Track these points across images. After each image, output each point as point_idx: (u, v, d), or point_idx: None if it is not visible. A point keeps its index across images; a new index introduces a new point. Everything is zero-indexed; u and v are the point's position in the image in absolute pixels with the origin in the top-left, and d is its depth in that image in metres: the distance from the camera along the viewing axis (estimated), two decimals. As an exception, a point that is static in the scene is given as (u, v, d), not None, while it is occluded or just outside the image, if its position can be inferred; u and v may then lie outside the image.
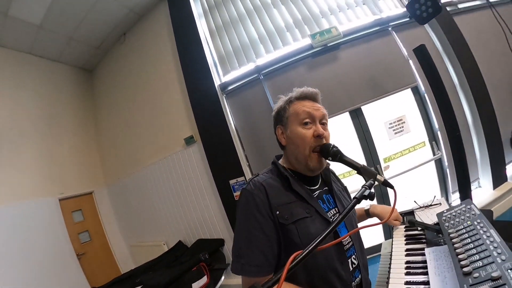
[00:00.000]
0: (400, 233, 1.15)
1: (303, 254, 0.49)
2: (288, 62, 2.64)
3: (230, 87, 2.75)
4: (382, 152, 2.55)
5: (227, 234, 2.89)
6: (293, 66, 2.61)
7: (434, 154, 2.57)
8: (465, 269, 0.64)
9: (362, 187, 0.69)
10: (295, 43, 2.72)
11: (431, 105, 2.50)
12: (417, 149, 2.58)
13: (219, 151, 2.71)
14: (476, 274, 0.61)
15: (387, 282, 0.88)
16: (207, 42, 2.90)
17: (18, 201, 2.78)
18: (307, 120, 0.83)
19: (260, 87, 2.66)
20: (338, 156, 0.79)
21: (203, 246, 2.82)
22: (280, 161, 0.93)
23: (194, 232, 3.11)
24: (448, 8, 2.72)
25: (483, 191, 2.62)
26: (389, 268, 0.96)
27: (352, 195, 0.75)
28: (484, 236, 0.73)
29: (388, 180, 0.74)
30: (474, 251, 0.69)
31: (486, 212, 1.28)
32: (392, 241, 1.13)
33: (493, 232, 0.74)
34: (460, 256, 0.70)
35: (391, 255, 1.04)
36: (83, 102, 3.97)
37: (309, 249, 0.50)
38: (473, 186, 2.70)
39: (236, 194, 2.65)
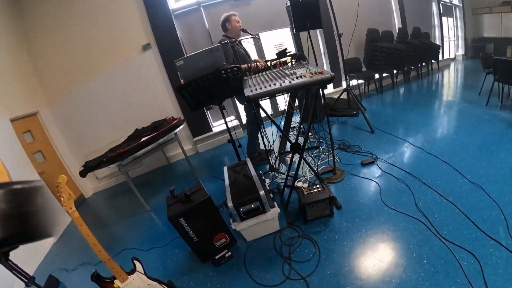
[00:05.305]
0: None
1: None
2: (219, 0, 4.14)
3: (178, 12, 4.01)
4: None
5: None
6: (221, 3, 4.13)
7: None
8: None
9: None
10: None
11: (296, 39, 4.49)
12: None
13: (171, 54, 3.82)
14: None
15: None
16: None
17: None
18: (239, 22, 2.65)
19: (200, 14, 4.05)
20: (245, 30, 2.61)
21: (160, 123, 3.52)
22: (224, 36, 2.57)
23: (148, 119, 3.91)
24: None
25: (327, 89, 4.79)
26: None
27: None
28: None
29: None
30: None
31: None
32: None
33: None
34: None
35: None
36: (9, 11, 3.34)
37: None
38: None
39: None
